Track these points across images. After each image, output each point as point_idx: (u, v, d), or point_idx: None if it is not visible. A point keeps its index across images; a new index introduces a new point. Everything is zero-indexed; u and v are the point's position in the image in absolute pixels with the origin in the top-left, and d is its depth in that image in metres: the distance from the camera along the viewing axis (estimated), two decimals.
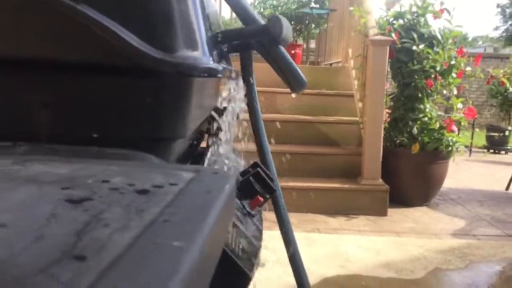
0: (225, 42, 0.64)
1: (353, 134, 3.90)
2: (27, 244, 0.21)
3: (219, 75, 0.51)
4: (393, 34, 3.63)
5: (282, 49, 0.71)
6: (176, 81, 0.47)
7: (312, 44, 6.72)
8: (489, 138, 7.41)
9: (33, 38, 0.45)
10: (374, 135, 3.57)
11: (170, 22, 0.46)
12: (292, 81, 0.74)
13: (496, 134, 7.17)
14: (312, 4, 5.82)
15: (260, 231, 0.67)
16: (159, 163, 0.46)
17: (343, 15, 4.86)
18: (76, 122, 0.48)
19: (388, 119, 3.82)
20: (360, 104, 3.90)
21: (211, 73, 0.49)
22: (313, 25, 6.08)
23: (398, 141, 3.79)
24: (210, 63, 0.49)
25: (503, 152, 7.23)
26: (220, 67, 0.50)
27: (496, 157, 6.93)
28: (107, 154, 0.45)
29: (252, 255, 0.56)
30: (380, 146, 3.57)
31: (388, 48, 3.49)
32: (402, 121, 3.79)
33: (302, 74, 0.75)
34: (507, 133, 7.20)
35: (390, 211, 3.55)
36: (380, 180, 3.57)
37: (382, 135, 3.58)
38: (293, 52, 5.68)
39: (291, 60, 0.72)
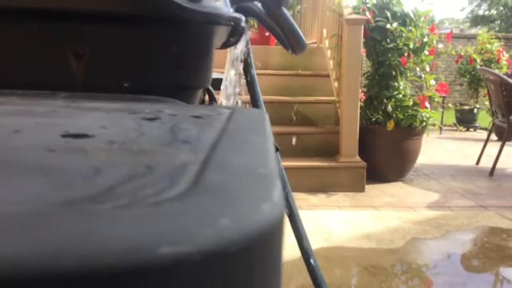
0: (232, 5, 0.67)
1: (330, 113, 3.98)
2: (137, 135, 0.24)
3: (243, 24, 0.54)
4: (367, 13, 3.69)
5: (285, 10, 0.74)
6: (203, 29, 0.50)
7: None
8: (458, 116, 7.62)
9: None
10: (350, 113, 3.65)
11: None
12: (294, 42, 0.78)
13: (467, 107, 7.37)
14: None
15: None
16: (192, 105, 0.50)
17: None
18: (108, 71, 0.50)
19: (363, 98, 3.90)
20: (336, 84, 3.97)
21: (236, 21, 0.52)
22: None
23: (373, 119, 3.88)
24: (234, 13, 0.52)
25: (472, 129, 7.46)
26: (243, 16, 0.54)
27: (466, 134, 7.15)
28: (143, 99, 0.48)
29: None
30: (356, 124, 3.65)
31: (362, 27, 3.55)
32: (377, 99, 3.88)
33: (303, 35, 0.78)
34: (475, 110, 7.43)
35: (368, 187, 3.65)
36: (357, 157, 3.66)
37: (359, 113, 3.66)
38: (267, 34, 5.70)
39: (293, 21, 0.76)
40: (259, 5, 0.82)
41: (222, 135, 0.27)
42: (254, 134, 0.28)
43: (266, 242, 0.13)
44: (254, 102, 0.92)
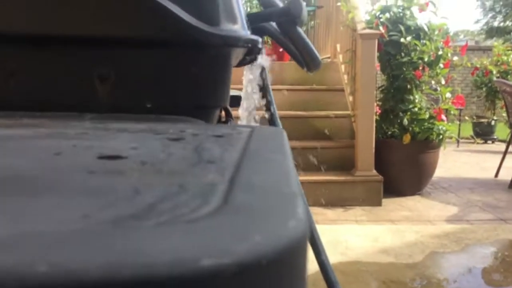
0: (251, 24, 0.69)
1: (346, 128, 3.98)
2: (165, 156, 0.26)
3: (260, 45, 0.56)
4: (380, 28, 3.71)
5: (299, 29, 0.76)
6: (221, 51, 0.53)
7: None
8: (476, 128, 7.54)
9: (95, 17, 0.49)
10: (366, 127, 3.65)
11: None
12: (309, 60, 0.80)
13: (485, 120, 7.29)
14: None
15: None
16: (212, 124, 0.51)
17: (330, 11, 4.93)
18: (131, 93, 0.52)
19: (379, 111, 3.90)
20: (350, 98, 3.97)
21: (253, 43, 0.55)
22: None
23: (389, 133, 3.87)
24: (251, 35, 0.54)
25: (489, 142, 7.38)
26: (259, 38, 0.56)
27: (483, 147, 7.07)
28: (165, 119, 0.50)
29: None
30: (372, 138, 3.65)
31: (376, 41, 3.57)
32: (392, 112, 3.87)
33: (318, 53, 0.80)
34: (493, 122, 7.35)
35: (385, 201, 3.62)
36: (374, 171, 3.65)
37: (374, 127, 3.66)
38: (281, 50, 5.75)
39: (307, 40, 0.78)
40: (274, 24, 0.85)
41: (244, 155, 0.28)
42: (275, 152, 0.30)
43: (293, 255, 0.14)
44: (272, 122, 0.93)
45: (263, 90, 0.81)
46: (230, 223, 0.15)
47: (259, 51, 0.60)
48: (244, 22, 0.54)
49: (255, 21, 0.76)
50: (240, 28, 0.53)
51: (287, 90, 4.11)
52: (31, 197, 0.17)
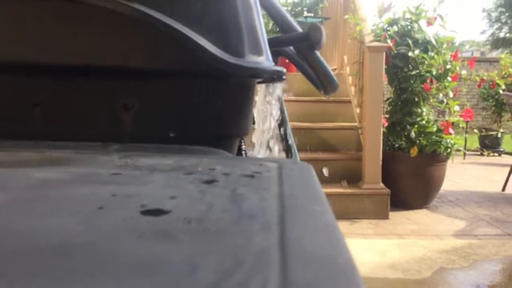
0: (271, 48, 0.69)
1: (353, 140, 3.97)
2: (206, 208, 0.26)
3: (284, 77, 0.56)
4: (388, 40, 3.71)
5: (318, 53, 0.76)
6: (246, 82, 0.53)
7: None
8: (482, 141, 7.51)
9: (120, 48, 0.49)
10: (373, 140, 3.64)
11: (239, 30, 0.51)
12: (327, 83, 0.80)
13: (493, 133, 7.25)
14: (306, 13, 5.93)
15: None
16: (235, 156, 0.51)
17: (338, 23, 4.94)
18: (155, 123, 0.52)
19: (386, 124, 3.89)
20: (358, 110, 3.97)
21: (278, 75, 0.54)
22: None
23: (396, 145, 3.86)
24: (276, 66, 0.54)
25: (496, 154, 7.34)
26: (284, 69, 0.56)
27: (490, 159, 7.03)
28: (189, 150, 0.50)
29: None
30: (379, 151, 3.64)
31: (384, 54, 3.57)
32: (400, 125, 3.86)
33: (335, 77, 0.80)
34: (499, 135, 7.32)
35: (392, 214, 3.60)
36: (381, 184, 3.63)
37: (381, 139, 3.65)
38: (287, 61, 5.76)
39: (325, 63, 0.78)
40: (291, 47, 0.85)
41: (283, 206, 0.28)
42: (315, 202, 0.30)
43: None
44: (288, 153, 0.93)
45: (280, 120, 0.81)
46: None
47: (283, 81, 0.60)
48: (269, 53, 0.54)
49: (273, 45, 0.76)
50: (265, 60, 0.53)
51: (294, 101, 4.12)
52: (89, 277, 0.17)
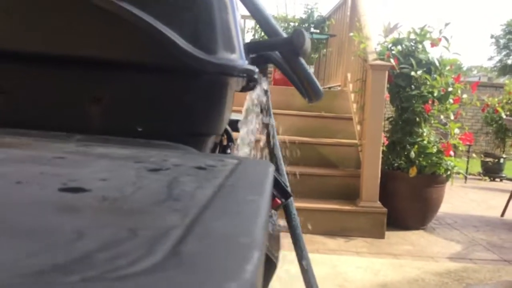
0: (251, 53, 0.68)
1: (352, 156, 3.95)
2: (133, 190, 0.25)
3: (255, 76, 0.56)
4: (392, 60, 3.71)
5: (302, 60, 0.75)
6: (217, 80, 0.52)
7: (311, 69, 6.82)
8: (484, 165, 7.47)
9: (92, 39, 0.49)
10: (372, 157, 3.62)
11: (212, 26, 0.51)
12: (310, 91, 0.79)
13: (491, 160, 7.22)
14: (312, 29, 5.95)
15: (273, 231, 0.71)
16: (200, 153, 0.50)
17: (343, 41, 4.96)
18: (124, 116, 0.52)
19: (386, 142, 3.88)
20: (358, 127, 3.96)
21: (249, 73, 0.54)
22: (314, 50, 6.20)
23: (396, 165, 3.83)
24: (248, 65, 0.53)
25: (498, 179, 7.29)
26: (256, 68, 0.55)
27: (491, 184, 6.98)
28: (153, 145, 0.49)
29: (273, 248, 0.60)
30: (378, 169, 3.61)
31: (387, 72, 3.57)
32: (400, 144, 3.85)
33: (319, 85, 0.79)
34: (501, 160, 7.28)
35: (388, 233, 3.57)
36: (378, 203, 3.60)
37: (381, 158, 3.63)
38: None
39: (309, 71, 0.77)
40: (278, 53, 0.84)
41: (217, 193, 0.27)
42: (252, 192, 0.29)
43: None
44: (271, 149, 0.92)
45: (264, 112, 0.81)
46: (164, 283, 0.14)
47: (255, 81, 0.60)
48: (242, 51, 0.53)
49: (258, 50, 0.75)
50: (238, 58, 0.52)
51: (295, 115, 4.11)
52: None
